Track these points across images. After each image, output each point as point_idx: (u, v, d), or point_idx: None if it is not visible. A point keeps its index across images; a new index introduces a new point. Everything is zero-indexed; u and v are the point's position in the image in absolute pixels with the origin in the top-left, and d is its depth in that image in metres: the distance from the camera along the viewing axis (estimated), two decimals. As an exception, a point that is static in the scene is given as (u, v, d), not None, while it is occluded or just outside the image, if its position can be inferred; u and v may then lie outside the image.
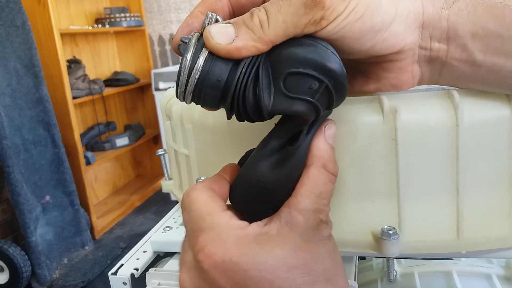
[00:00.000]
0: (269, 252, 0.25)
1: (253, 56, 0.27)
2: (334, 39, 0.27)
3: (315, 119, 0.27)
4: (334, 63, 0.26)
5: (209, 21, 0.27)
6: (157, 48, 3.00)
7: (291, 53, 0.26)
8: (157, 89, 2.57)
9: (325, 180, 0.27)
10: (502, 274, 0.54)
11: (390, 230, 0.31)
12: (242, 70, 0.26)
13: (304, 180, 0.27)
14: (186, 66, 0.26)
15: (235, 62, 0.26)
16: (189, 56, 0.26)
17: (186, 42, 0.27)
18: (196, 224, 0.27)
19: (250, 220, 0.28)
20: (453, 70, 0.29)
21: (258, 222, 0.27)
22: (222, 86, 0.26)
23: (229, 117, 0.28)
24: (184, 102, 0.28)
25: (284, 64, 0.26)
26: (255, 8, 0.27)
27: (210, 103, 0.28)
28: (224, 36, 0.26)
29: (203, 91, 0.27)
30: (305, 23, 0.26)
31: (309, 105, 0.26)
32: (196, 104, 0.28)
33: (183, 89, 0.27)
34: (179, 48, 0.28)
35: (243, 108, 0.27)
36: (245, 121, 0.28)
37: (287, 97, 0.26)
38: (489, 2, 0.28)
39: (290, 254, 0.25)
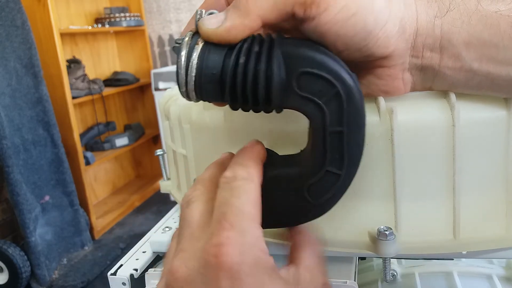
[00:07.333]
0: None
1: (247, 44, 0.27)
2: (328, 35, 0.27)
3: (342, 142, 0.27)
4: (348, 74, 0.26)
5: (198, 17, 0.28)
6: (156, 49, 3.00)
7: (309, 54, 0.26)
8: (157, 89, 2.57)
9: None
10: (503, 274, 0.54)
11: (386, 230, 0.31)
12: (235, 59, 0.26)
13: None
14: (182, 66, 0.27)
15: (228, 51, 0.27)
16: (183, 55, 0.27)
17: (180, 43, 0.27)
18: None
19: None
20: (446, 78, 0.29)
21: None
22: (218, 78, 0.27)
23: (233, 108, 0.28)
24: (193, 101, 0.28)
25: (300, 62, 0.26)
26: None
27: (213, 98, 0.28)
28: (214, 21, 0.27)
29: (203, 87, 0.27)
30: (295, 1, 0.26)
31: (316, 106, 0.26)
32: (204, 100, 0.28)
33: (185, 89, 0.27)
34: (174, 50, 0.28)
35: (253, 98, 0.27)
36: (250, 110, 0.28)
37: (297, 95, 0.26)
38: (483, 12, 0.27)
39: None
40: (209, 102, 0.29)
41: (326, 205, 0.28)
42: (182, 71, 0.27)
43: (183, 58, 0.27)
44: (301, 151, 0.30)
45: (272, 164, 0.29)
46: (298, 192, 0.28)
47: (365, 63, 0.29)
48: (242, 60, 0.26)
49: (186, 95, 0.28)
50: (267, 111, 0.28)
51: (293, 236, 0.29)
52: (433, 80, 0.30)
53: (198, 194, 0.28)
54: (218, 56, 0.26)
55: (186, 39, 0.27)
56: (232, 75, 0.26)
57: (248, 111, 0.28)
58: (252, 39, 0.27)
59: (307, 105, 0.26)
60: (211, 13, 0.28)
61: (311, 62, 0.26)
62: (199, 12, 0.28)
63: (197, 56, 0.26)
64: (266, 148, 0.31)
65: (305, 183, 0.28)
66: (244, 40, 0.27)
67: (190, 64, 0.26)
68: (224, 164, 0.30)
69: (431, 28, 0.28)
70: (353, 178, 0.28)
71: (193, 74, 0.26)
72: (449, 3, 0.28)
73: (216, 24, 0.26)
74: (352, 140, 0.27)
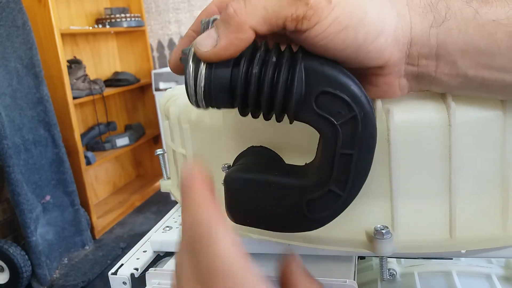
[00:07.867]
0: None
1: (261, 53, 0.26)
2: (318, 47, 0.27)
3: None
4: (366, 100, 0.26)
5: (203, 27, 0.28)
6: (156, 54, 3.00)
7: (332, 74, 0.26)
8: (157, 89, 2.58)
9: None
10: (502, 274, 0.54)
11: (383, 229, 0.31)
12: (246, 68, 0.26)
13: None
14: (191, 76, 0.26)
15: (236, 59, 0.26)
16: (191, 65, 0.26)
17: (187, 54, 0.27)
18: None
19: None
20: (442, 83, 0.29)
21: None
22: (228, 87, 0.26)
23: (242, 114, 0.28)
24: (202, 109, 0.28)
25: (322, 81, 0.26)
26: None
27: (224, 105, 0.28)
28: (207, 41, 0.26)
29: (213, 96, 0.27)
30: (287, 16, 0.26)
31: (331, 126, 0.26)
32: (213, 107, 0.28)
33: (194, 98, 0.27)
34: (181, 60, 0.28)
35: (267, 108, 0.27)
36: (258, 117, 0.28)
37: (314, 112, 0.26)
38: (481, 21, 0.27)
39: None
40: (219, 109, 0.28)
41: (322, 221, 0.29)
42: (191, 82, 0.26)
43: (191, 69, 0.26)
44: (306, 164, 0.30)
45: (277, 170, 0.30)
46: (296, 204, 0.28)
47: (360, 71, 0.29)
48: (256, 69, 0.26)
49: (196, 104, 0.28)
50: (278, 120, 0.28)
51: (285, 262, 0.27)
52: (429, 86, 0.30)
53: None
54: (226, 65, 0.26)
55: (193, 48, 0.27)
56: (244, 84, 0.26)
57: (257, 117, 0.28)
58: (265, 48, 0.27)
59: (322, 123, 0.26)
60: (215, 19, 0.28)
61: (334, 82, 0.26)
62: (203, 22, 0.28)
63: (205, 66, 0.26)
64: (273, 151, 0.31)
65: (305, 197, 0.28)
66: (253, 48, 0.27)
67: (199, 74, 0.26)
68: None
69: (426, 38, 0.28)
70: (353, 200, 0.28)
71: (202, 84, 0.26)
72: (445, 13, 0.28)
73: (211, 44, 0.26)
74: (360, 164, 0.27)
